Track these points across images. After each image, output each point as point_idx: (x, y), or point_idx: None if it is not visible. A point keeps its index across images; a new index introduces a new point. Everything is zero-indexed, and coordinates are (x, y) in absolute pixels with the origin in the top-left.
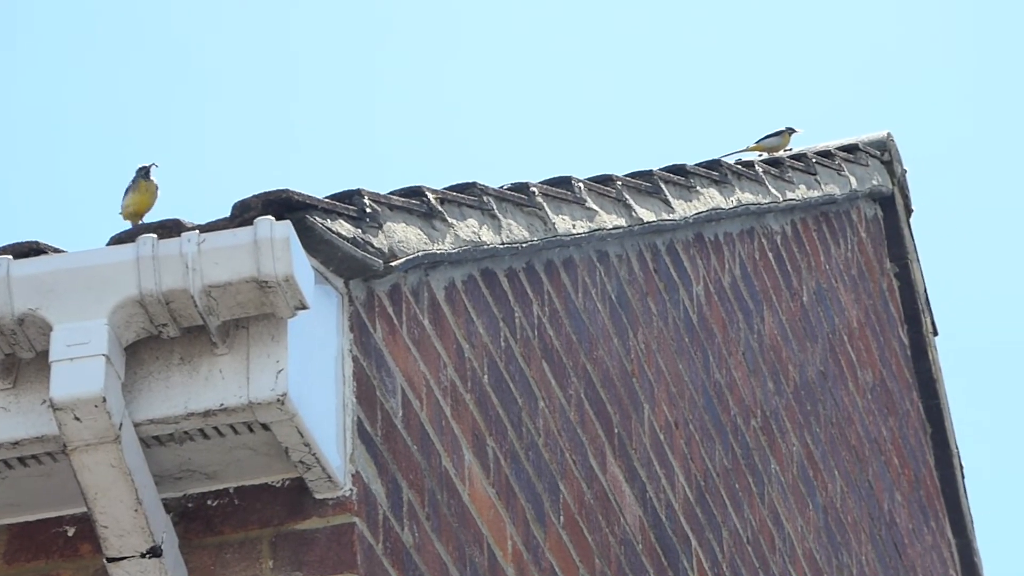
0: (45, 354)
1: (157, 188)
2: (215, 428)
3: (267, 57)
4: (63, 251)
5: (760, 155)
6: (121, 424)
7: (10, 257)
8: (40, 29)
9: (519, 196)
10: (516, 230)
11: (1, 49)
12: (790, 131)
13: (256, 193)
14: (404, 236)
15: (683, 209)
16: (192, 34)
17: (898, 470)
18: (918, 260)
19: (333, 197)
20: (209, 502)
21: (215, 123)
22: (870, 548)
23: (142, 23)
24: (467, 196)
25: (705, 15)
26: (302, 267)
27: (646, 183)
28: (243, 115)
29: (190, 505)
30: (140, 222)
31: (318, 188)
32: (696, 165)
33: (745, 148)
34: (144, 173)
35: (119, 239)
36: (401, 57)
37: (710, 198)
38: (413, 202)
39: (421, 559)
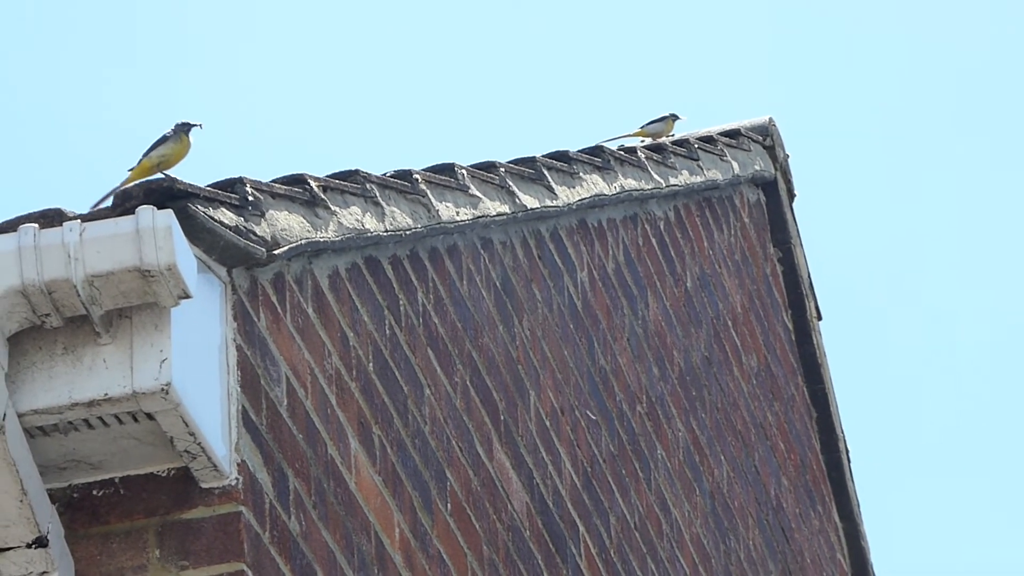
0: None
1: (191, 146)
2: (100, 418)
3: (150, 39)
4: None
5: (643, 141)
6: (4, 415)
7: None
8: None
9: (402, 183)
10: (400, 217)
11: None
12: (674, 117)
13: (139, 182)
14: (287, 224)
15: (566, 195)
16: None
17: (784, 455)
18: (801, 245)
19: (215, 185)
20: (95, 492)
21: (97, 110)
22: (757, 533)
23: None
24: (350, 184)
25: None
26: (184, 256)
27: (529, 170)
28: (123, 99)
29: (76, 495)
30: (161, 174)
31: (199, 177)
32: (579, 151)
33: (628, 134)
34: (186, 128)
35: (0, 229)
36: (280, 42)
37: (593, 184)
38: (296, 190)
39: (308, 547)
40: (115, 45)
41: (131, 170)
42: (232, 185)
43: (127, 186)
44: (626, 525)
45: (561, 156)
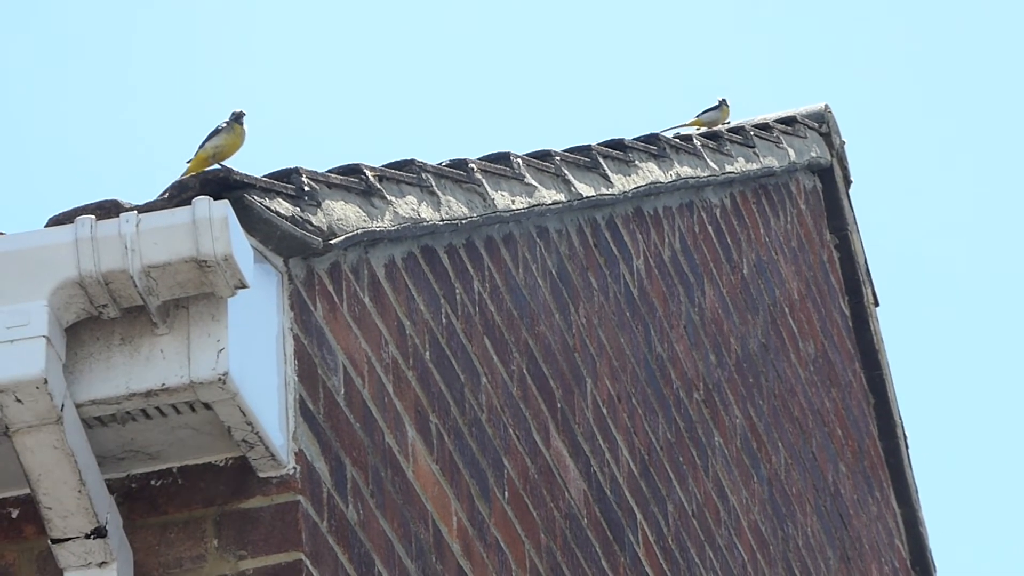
0: None
1: (246, 135)
2: (157, 408)
3: (199, 34)
4: (1, 233)
5: (699, 129)
6: (63, 405)
7: None
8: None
9: (458, 172)
10: (455, 206)
11: None
12: (725, 102)
13: (194, 173)
14: (343, 214)
15: (622, 184)
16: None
17: (842, 441)
18: (858, 231)
19: (271, 176)
20: (153, 482)
21: (152, 103)
22: (815, 519)
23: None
24: (405, 173)
25: None
26: (241, 246)
27: (584, 158)
28: (177, 93)
29: (134, 485)
30: (217, 165)
31: (256, 167)
32: (634, 139)
33: (684, 123)
34: (238, 118)
35: (57, 220)
36: (335, 31)
37: (649, 172)
38: (351, 180)
39: (366, 536)
40: (173, 33)
41: (189, 162)
42: (288, 175)
43: (184, 178)
44: (684, 512)
45: (616, 144)
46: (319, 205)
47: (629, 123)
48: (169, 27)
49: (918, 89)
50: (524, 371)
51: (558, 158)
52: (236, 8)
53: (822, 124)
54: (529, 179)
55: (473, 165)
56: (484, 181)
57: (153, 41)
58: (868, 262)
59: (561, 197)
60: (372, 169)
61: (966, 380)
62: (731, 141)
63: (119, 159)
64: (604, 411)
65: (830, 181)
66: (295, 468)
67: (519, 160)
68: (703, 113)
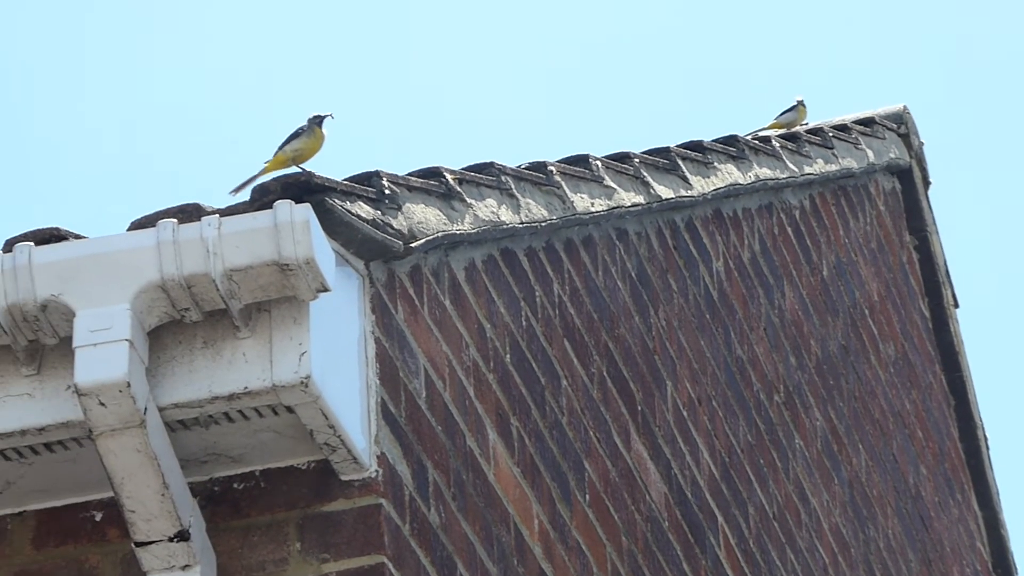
0: (68, 340)
1: (325, 138)
2: (239, 411)
3: (283, 38)
4: (84, 237)
5: (777, 131)
6: (146, 409)
7: (31, 244)
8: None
9: (537, 175)
10: (535, 209)
11: (17, 34)
12: (801, 103)
13: (275, 176)
14: (423, 217)
15: (701, 185)
16: (203, 17)
17: (922, 443)
18: (937, 232)
19: (352, 179)
20: (235, 485)
21: (230, 107)
22: (896, 522)
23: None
24: (485, 176)
25: None
26: (322, 249)
27: (663, 160)
28: (257, 95)
29: (216, 489)
30: (297, 168)
31: (336, 171)
32: (713, 141)
33: (763, 127)
34: (319, 121)
35: (139, 224)
36: (416, 38)
37: (728, 174)
38: (432, 183)
39: (448, 539)
40: (251, 36)
41: (267, 163)
42: (369, 179)
43: (265, 181)
44: (764, 515)
45: (695, 146)
46: (400, 208)
47: (708, 125)
48: (245, 30)
49: (997, 89)
50: (604, 374)
51: (637, 160)
52: (313, 10)
53: (901, 125)
54: (608, 181)
55: (552, 168)
56: (563, 183)
57: (230, 44)
58: (947, 263)
59: (640, 199)
60: (452, 172)
61: None
62: (810, 142)
63: (200, 162)
64: (684, 413)
65: (909, 182)
66: (377, 471)
67: (598, 162)
68: (781, 115)
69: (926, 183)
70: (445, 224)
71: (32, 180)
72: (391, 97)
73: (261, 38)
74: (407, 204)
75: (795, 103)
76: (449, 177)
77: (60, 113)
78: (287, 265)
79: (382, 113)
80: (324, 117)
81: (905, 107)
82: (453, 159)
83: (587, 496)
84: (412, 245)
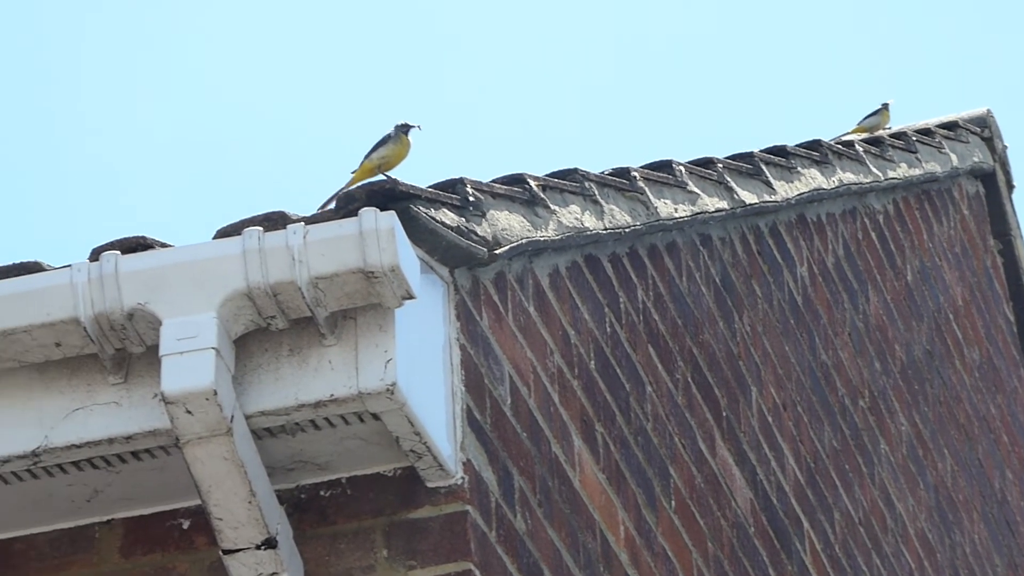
0: (155, 348)
1: (411, 146)
2: (326, 419)
3: (364, 49)
4: (170, 245)
5: (860, 136)
6: (232, 416)
7: (118, 253)
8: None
9: (621, 181)
10: (618, 215)
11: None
12: (886, 107)
13: (361, 184)
14: (507, 224)
15: (785, 190)
16: (290, 30)
17: (1008, 448)
18: (1021, 236)
19: (436, 186)
20: (322, 492)
21: (317, 113)
22: (982, 527)
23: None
24: (569, 182)
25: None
26: (408, 257)
27: (747, 165)
28: (341, 104)
29: (303, 496)
30: (382, 175)
31: (420, 178)
32: (797, 146)
33: (847, 133)
34: (406, 130)
35: (225, 232)
36: (498, 47)
37: (811, 178)
38: (515, 190)
39: (534, 546)
40: (336, 47)
41: (353, 172)
42: (453, 186)
43: (350, 188)
44: (850, 520)
45: (779, 151)
46: (484, 215)
47: (791, 129)
48: (329, 42)
49: None
50: (689, 379)
51: (720, 165)
52: (398, 19)
53: (984, 128)
54: (692, 187)
55: (636, 173)
56: (647, 189)
57: (312, 54)
58: None
59: (724, 204)
60: (536, 179)
61: None
62: (893, 147)
63: (284, 169)
64: (769, 419)
65: (993, 186)
66: (463, 478)
67: (682, 168)
68: (865, 119)
69: (1010, 187)
70: (529, 231)
71: (116, 188)
72: (474, 104)
73: (334, 51)
74: (491, 211)
75: (880, 107)
76: (533, 184)
77: (143, 121)
78: (372, 272)
79: (464, 120)
80: (412, 127)
81: (989, 110)
82: (537, 166)
83: (673, 502)
84: (496, 252)
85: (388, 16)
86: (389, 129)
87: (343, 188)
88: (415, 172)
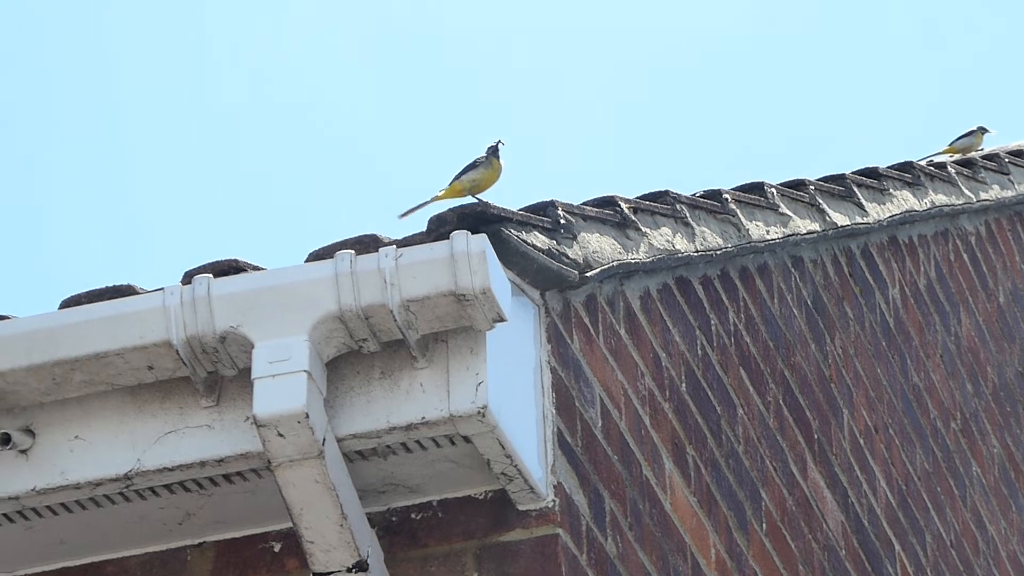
0: (247, 371)
1: (502, 170)
2: (417, 442)
3: (455, 70)
4: (262, 268)
5: (952, 157)
6: (324, 439)
7: (210, 276)
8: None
9: (712, 203)
10: (710, 237)
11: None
12: (982, 131)
13: (452, 206)
14: (598, 246)
15: (876, 212)
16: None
17: None
18: None
19: (527, 209)
20: (413, 515)
21: (406, 138)
22: None
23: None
24: (660, 205)
25: (894, 17)
26: (499, 280)
27: (839, 187)
28: (430, 126)
29: (394, 519)
30: (473, 198)
31: (511, 201)
32: (888, 167)
33: (938, 152)
34: (495, 151)
35: (317, 255)
36: (591, 71)
37: (903, 200)
38: (606, 212)
39: (625, 569)
40: (435, 73)
41: (441, 191)
42: (544, 208)
43: (441, 211)
44: (942, 543)
45: (871, 173)
46: (575, 238)
47: (883, 151)
48: (430, 65)
49: None
50: (780, 402)
51: (812, 187)
52: (495, 43)
53: None
54: (783, 209)
55: (727, 195)
56: (738, 211)
57: (415, 81)
58: None
59: (816, 227)
60: (627, 201)
61: None
62: (985, 168)
63: (373, 193)
64: (861, 441)
65: None
66: (554, 501)
67: (773, 190)
68: (957, 140)
69: None
70: (620, 253)
71: (208, 210)
72: (565, 126)
73: (408, 77)
74: (582, 233)
75: (975, 128)
76: (624, 206)
77: (232, 143)
78: (464, 295)
79: (556, 142)
80: (496, 145)
81: None
82: (627, 188)
83: (764, 525)
84: (587, 274)
85: (467, 40)
86: (480, 153)
87: (427, 202)
88: (505, 195)
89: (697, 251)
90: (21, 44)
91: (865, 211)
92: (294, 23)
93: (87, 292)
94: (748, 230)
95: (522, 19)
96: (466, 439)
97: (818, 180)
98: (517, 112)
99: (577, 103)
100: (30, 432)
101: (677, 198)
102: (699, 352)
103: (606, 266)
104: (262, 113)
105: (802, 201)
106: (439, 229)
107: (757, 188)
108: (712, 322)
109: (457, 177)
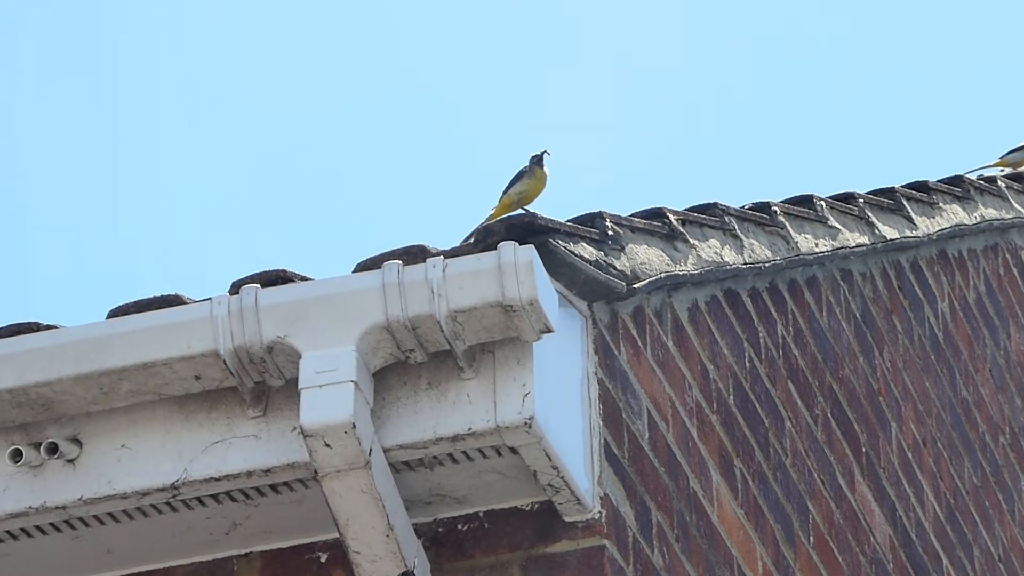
0: (294, 381)
1: (547, 178)
2: (464, 452)
3: (500, 81)
4: (310, 279)
5: (1002, 171)
6: (371, 450)
7: (258, 286)
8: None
9: (761, 215)
10: (758, 249)
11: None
12: None
13: (499, 218)
14: (646, 258)
15: (926, 226)
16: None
17: None
18: None
19: (575, 220)
20: (459, 526)
21: (453, 149)
22: None
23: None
24: (708, 216)
25: (944, 29)
26: (546, 291)
27: (888, 200)
28: (478, 138)
29: (440, 530)
30: (521, 209)
31: (559, 212)
32: (938, 181)
33: (988, 164)
34: (538, 161)
35: (364, 266)
36: (639, 81)
37: (953, 214)
38: (654, 224)
39: None
40: (474, 83)
41: (492, 210)
42: (592, 219)
43: (489, 223)
44: (990, 557)
45: (920, 186)
46: (622, 249)
47: (933, 165)
48: (467, 77)
49: None
50: (828, 415)
51: (861, 200)
52: (544, 57)
53: None
54: (832, 222)
55: (776, 208)
56: (787, 224)
57: (459, 90)
58: None
59: (865, 240)
60: (675, 213)
61: None
62: None
63: (422, 203)
64: (909, 455)
65: None
66: (601, 512)
67: (822, 203)
68: (1008, 154)
69: None
70: (668, 265)
71: (254, 220)
72: (613, 137)
73: (463, 85)
74: (630, 245)
75: None
76: (672, 218)
77: (279, 154)
78: (511, 306)
79: (603, 153)
80: (541, 155)
81: None
82: (676, 200)
83: (811, 538)
84: (635, 286)
85: (515, 50)
86: (524, 164)
87: (482, 224)
88: (552, 206)
89: (746, 263)
90: (91, 48)
91: (914, 224)
92: (336, 24)
93: (135, 302)
94: (797, 243)
95: (570, 32)
96: (512, 450)
97: (867, 193)
98: (565, 122)
99: (626, 115)
100: (77, 442)
101: (726, 210)
102: (747, 364)
103: (654, 278)
104: (308, 122)
105: (851, 214)
106: (486, 240)
107: (806, 201)
108: (760, 335)
109: (505, 191)
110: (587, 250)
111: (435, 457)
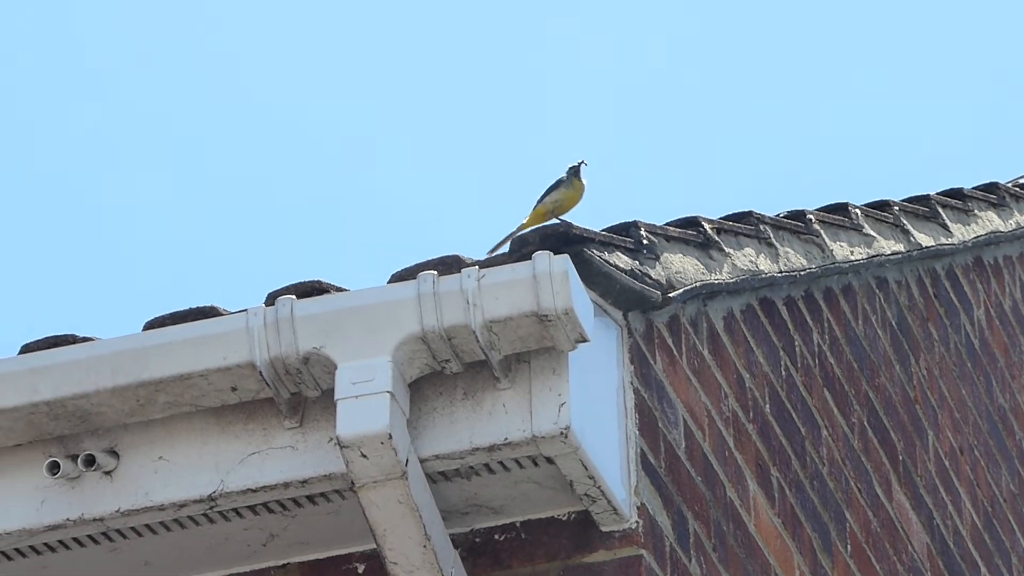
0: (330, 392)
1: (584, 189)
2: (500, 463)
3: (536, 94)
4: (345, 290)
5: None
6: (407, 460)
7: (293, 297)
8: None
9: (796, 224)
10: (794, 258)
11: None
12: None
13: (534, 227)
14: (681, 267)
15: (961, 233)
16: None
17: None
18: None
19: (609, 230)
20: (496, 536)
21: (490, 158)
22: None
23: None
24: (743, 225)
25: (984, 36)
26: (581, 300)
27: (923, 208)
28: (511, 148)
29: (477, 540)
30: (556, 219)
31: (594, 221)
32: (973, 188)
33: None
34: (575, 172)
35: (399, 276)
36: (674, 91)
37: (988, 221)
38: (689, 232)
39: None
40: (510, 98)
41: (526, 219)
42: (627, 229)
43: (523, 232)
44: None
45: (955, 193)
46: (658, 258)
47: (968, 172)
48: (501, 88)
49: None
50: (865, 423)
51: (897, 208)
52: (575, 67)
53: None
54: (867, 229)
55: (811, 216)
56: (822, 232)
57: (492, 103)
58: None
59: (900, 247)
60: (710, 222)
61: None
62: None
63: (457, 213)
64: (946, 463)
65: None
66: (638, 522)
67: (857, 211)
68: None
69: None
70: (703, 274)
71: (290, 231)
72: (647, 147)
73: (513, 98)
74: (665, 254)
75: None
76: (707, 227)
77: (312, 165)
78: (546, 316)
79: (637, 163)
80: (579, 165)
81: None
82: (711, 209)
83: (849, 546)
84: (670, 295)
85: (549, 56)
86: (562, 173)
87: (515, 232)
88: (587, 215)
89: (781, 272)
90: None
91: (950, 232)
92: (365, 33)
93: (171, 314)
94: (832, 251)
95: (602, 39)
96: (549, 460)
97: (902, 201)
98: (601, 130)
99: (659, 124)
100: (114, 453)
101: (760, 219)
102: (783, 373)
103: (689, 287)
104: (342, 135)
105: (886, 222)
106: (521, 250)
107: (841, 209)
108: (796, 343)
109: (540, 200)
110: (622, 259)
111: (471, 467)
